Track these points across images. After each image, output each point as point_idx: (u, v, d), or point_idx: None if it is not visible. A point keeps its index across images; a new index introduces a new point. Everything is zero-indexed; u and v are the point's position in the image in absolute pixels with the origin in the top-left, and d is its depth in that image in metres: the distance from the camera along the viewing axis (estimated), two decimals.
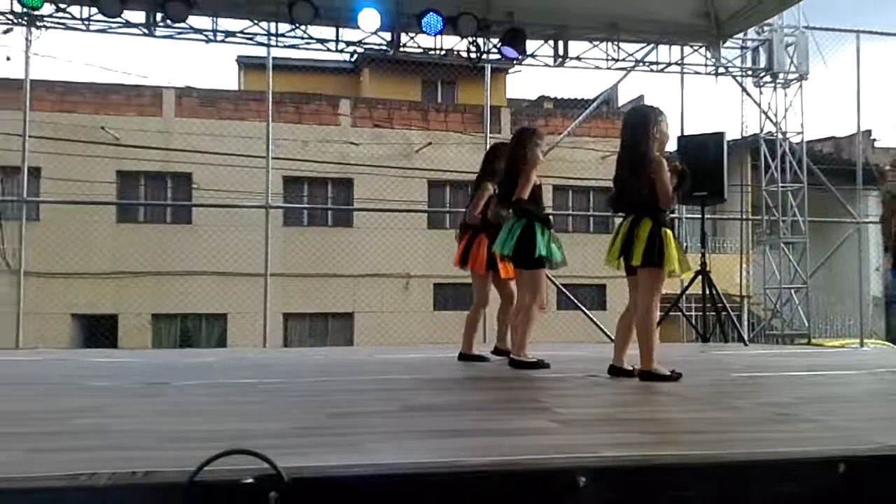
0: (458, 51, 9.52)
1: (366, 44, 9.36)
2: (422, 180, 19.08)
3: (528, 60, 9.76)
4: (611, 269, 4.57)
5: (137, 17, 8.63)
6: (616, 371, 4.44)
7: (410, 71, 19.04)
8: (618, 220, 4.64)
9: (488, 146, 10.43)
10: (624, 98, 23.32)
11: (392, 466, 1.81)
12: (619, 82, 12.37)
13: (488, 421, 2.72)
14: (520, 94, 25.39)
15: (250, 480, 1.71)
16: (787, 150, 10.75)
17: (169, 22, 8.52)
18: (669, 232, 4.35)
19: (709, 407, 3.23)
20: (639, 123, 4.48)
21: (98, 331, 16.61)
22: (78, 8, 8.55)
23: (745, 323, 14.76)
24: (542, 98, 25.41)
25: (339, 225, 19.28)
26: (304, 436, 2.35)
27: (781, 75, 10.52)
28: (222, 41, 9.01)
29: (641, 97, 22.30)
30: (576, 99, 24.69)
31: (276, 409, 3.09)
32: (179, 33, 8.79)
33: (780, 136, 10.61)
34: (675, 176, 4.49)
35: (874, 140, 27.35)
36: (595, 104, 12.93)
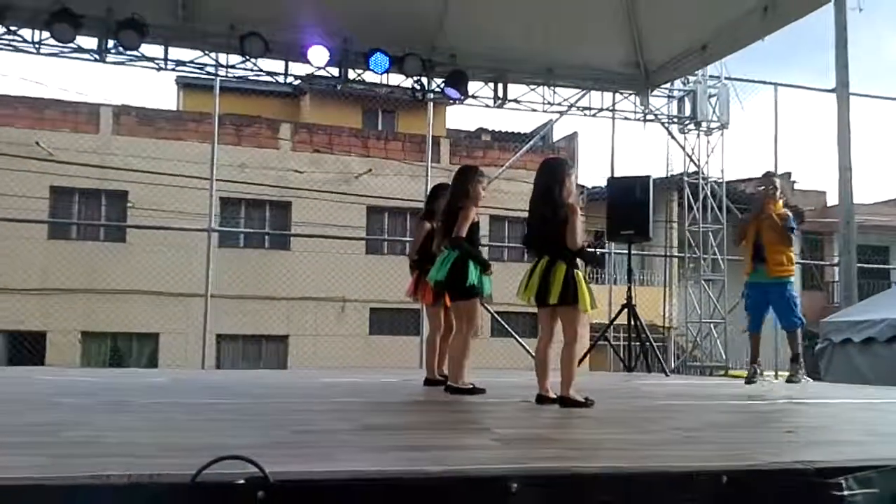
0: (403, 87, 9.96)
1: (314, 77, 9.71)
2: (360, 206, 19.37)
3: (470, 101, 10.26)
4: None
5: (90, 42, 8.79)
6: (542, 399, 4.81)
7: (351, 98, 19.41)
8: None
9: (429, 177, 10.96)
10: (559, 134, 24.13)
11: (366, 473, 2.17)
12: (554, 122, 13.00)
13: (438, 439, 3.10)
14: (459, 125, 26.05)
15: (241, 482, 2.05)
16: (709, 192, 11.50)
17: (121, 49, 8.71)
18: (580, 274, 4.83)
19: (626, 429, 3.67)
20: (555, 171, 4.98)
21: (24, 347, 16.33)
22: (29, 31, 8.67)
23: (671, 353, 15.49)
24: (481, 130, 26.07)
25: (276, 247, 19.38)
26: (277, 448, 2.68)
27: (704, 124, 11.29)
28: (173, 69, 9.24)
29: (575, 133, 23.16)
30: (513, 132, 25.51)
31: (243, 425, 3.40)
32: (131, 60, 8.98)
33: (701, 180, 11.35)
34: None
35: (794, 182, 28.85)
36: (531, 143, 13.54)
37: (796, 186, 28.14)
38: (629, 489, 2.32)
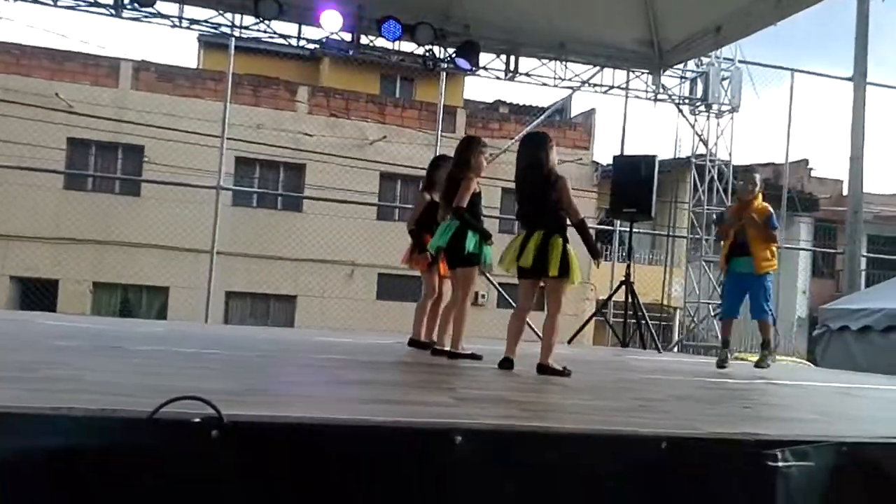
0: (415, 55, 10.00)
1: (326, 42, 9.77)
2: (374, 172, 19.45)
3: (480, 72, 10.29)
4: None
5: None
6: (509, 363, 4.93)
7: (370, 64, 19.40)
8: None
9: (439, 146, 11.01)
10: (577, 109, 24.04)
11: (313, 419, 2.31)
12: (569, 97, 13.00)
13: (400, 395, 3.25)
14: (477, 97, 26.02)
15: (197, 420, 2.19)
16: (716, 175, 11.51)
17: (136, 5, 8.81)
18: (571, 248, 4.95)
19: (589, 397, 3.80)
20: (538, 144, 5.07)
21: (36, 295, 16.66)
22: None
23: (675, 332, 15.58)
24: (498, 102, 25.99)
25: (289, 209, 19.55)
26: (243, 394, 2.82)
27: (715, 106, 11.26)
28: (188, 27, 9.33)
29: (593, 110, 23.05)
30: (530, 106, 25.41)
31: (221, 374, 3.56)
32: (146, 17, 9.08)
33: (708, 162, 11.36)
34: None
35: (811, 169, 28.62)
36: (544, 115, 13.56)
37: (813, 174, 27.95)
38: (568, 448, 2.44)
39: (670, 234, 14.07)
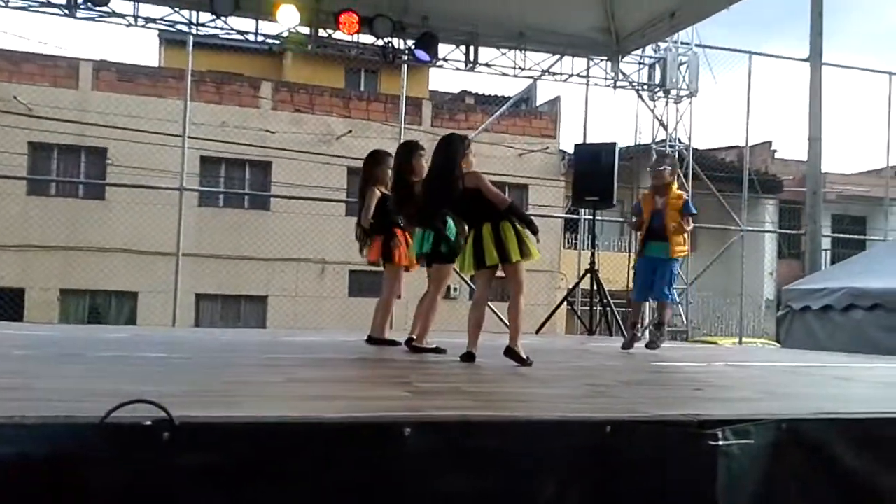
0: (374, 47, 10.00)
1: (284, 37, 9.75)
2: (341, 167, 19.38)
3: (440, 64, 10.33)
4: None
5: None
6: (471, 357, 4.98)
7: (334, 57, 19.31)
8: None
9: (403, 139, 11.00)
10: (543, 97, 24.14)
11: (262, 418, 2.35)
12: (534, 86, 13.07)
13: (354, 391, 3.29)
14: (442, 88, 25.97)
15: (149, 423, 2.23)
16: (676, 160, 11.64)
17: (91, 4, 8.73)
18: (519, 227, 5.02)
19: (543, 385, 3.88)
20: (452, 147, 5.19)
21: (1, 304, 16.42)
22: None
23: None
24: (464, 93, 26.00)
25: (256, 207, 19.42)
26: (198, 396, 2.86)
27: (674, 91, 11.40)
28: (143, 26, 9.26)
29: (558, 98, 23.15)
30: (496, 96, 25.47)
31: (178, 377, 3.58)
32: (101, 16, 9.00)
33: (668, 148, 11.50)
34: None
35: (774, 151, 29.00)
36: (506, 106, 13.62)
37: (777, 155, 28.32)
38: (515, 435, 2.51)
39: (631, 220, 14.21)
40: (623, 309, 9.75)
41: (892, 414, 2.99)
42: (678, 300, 7.24)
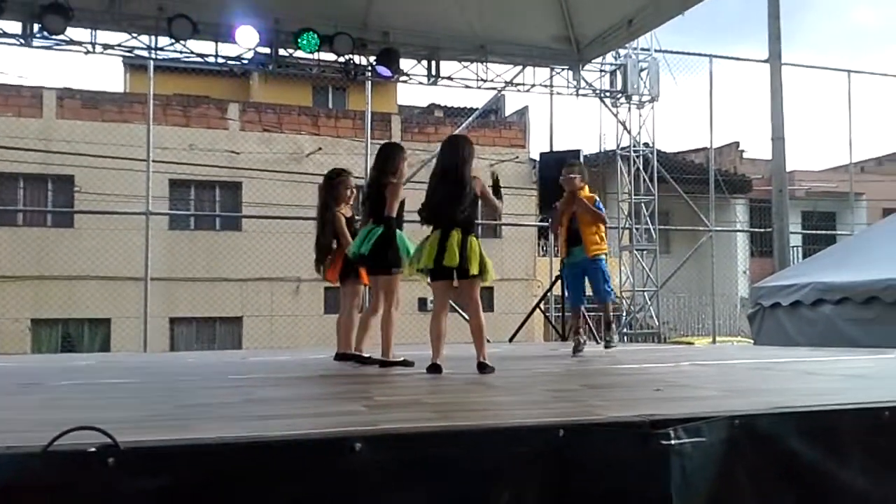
0: (336, 65, 10.00)
1: (244, 58, 9.73)
2: (312, 185, 19.31)
3: (403, 79, 10.36)
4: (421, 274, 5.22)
5: (14, 27, 8.74)
6: (438, 368, 4.98)
7: (301, 76, 19.30)
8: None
9: (369, 155, 11.03)
10: (512, 107, 24.29)
11: (205, 440, 2.33)
12: (495, 97, 13.14)
13: (310, 408, 3.27)
14: (411, 101, 26.03)
15: (93, 450, 2.20)
16: (641, 165, 11.76)
17: (46, 33, 8.66)
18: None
19: (504, 393, 3.88)
20: (460, 147, 5.16)
21: None
22: None
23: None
24: (433, 106, 26.08)
25: (228, 229, 19.31)
26: (149, 421, 2.83)
27: (635, 97, 11.51)
28: (101, 53, 9.20)
29: (526, 108, 23.29)
30: (465, 108, 25.56)
31: (132, 402, 3.55)
32: (57, 44, 8.93)
33: (632, 153, 11.61)
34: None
35: (742, 151, 29.34)
36: (472, 117, 13.67)
37: (745, 155, 28.65)
38: (468, 444, 2.50)
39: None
40: (595, 314, 9.82)
41: (844, 405, 3.02)
42: (616, 298, 7.38)
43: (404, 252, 5.53)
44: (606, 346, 7.13)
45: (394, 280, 5.64)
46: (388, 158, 5.72)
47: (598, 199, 7.12)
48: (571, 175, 7.03)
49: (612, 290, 7.25)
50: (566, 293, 7.37)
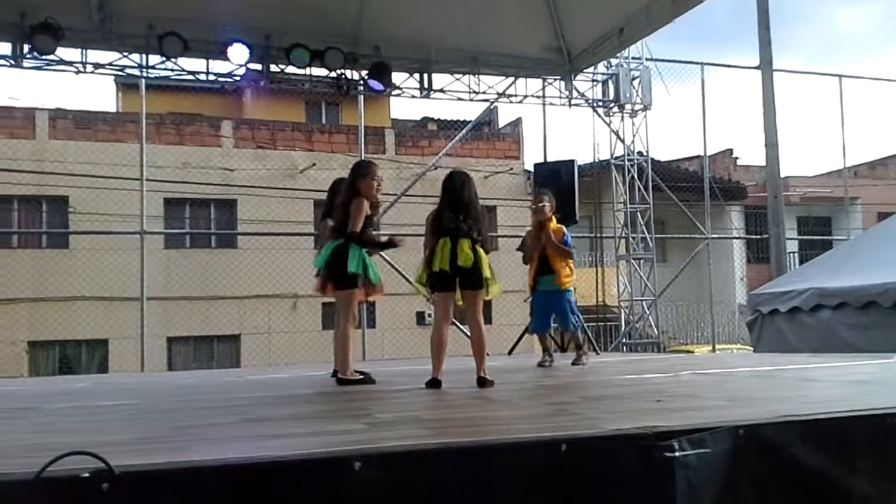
0: (328, 80, 9.99)
1: (236, 75, 9.71)
2: (307, 201, 19.29)
3: (395, 92, 10.35)
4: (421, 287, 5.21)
5: (4, 48, 8.72)
6: (438, 383, 4.95)
7: (294, 92, 19.30)
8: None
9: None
10: (504, 119, 24.32)
11: (204, 462, 2.28)
12: (488, 109, 13.15)
13: (308, 427, 3.23)
14: (404, 115, 26.06)
15: (87, 475, 2.16)
16: (636, 174, 11.75)
17: (36, 53, 8.63)
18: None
19: (505, 407, 3.84)
20: (466, 183, 5.28)
21: None
22: None
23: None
24: (426, 119, 26.11)
25: (224, 246, 19.24)
26: (144, 444, 2.78)
27: (628, 106, 11.52)
28: (92, 72, 9.18)
29: (519, 119, 23.34)
30: (458, 121, 25.60)
31: (127, 424, 3.50)
32: (48, 65, 8.91)
33: (626, 161, 11.60)
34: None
35: (736, 158, 29.38)
36: (465, 130, 13.66)
37: (739, 162, 28.69)
38: (468, 461, 2.46)
39: (597, 235, 14.32)
40: (594, 324, 9.80)
41: (848, 412, 2.99)
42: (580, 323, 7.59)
43: (360, 269, 5.43)
44: (574, 364, 7.26)
45: (351, 296, 5.51)
46: (356, 174, 5.63)
47: (566, 231, 7.30)
48: (542, 203, 7.19)
49: (579, 319, 7.52)
50: (531, 319, 7.48)
